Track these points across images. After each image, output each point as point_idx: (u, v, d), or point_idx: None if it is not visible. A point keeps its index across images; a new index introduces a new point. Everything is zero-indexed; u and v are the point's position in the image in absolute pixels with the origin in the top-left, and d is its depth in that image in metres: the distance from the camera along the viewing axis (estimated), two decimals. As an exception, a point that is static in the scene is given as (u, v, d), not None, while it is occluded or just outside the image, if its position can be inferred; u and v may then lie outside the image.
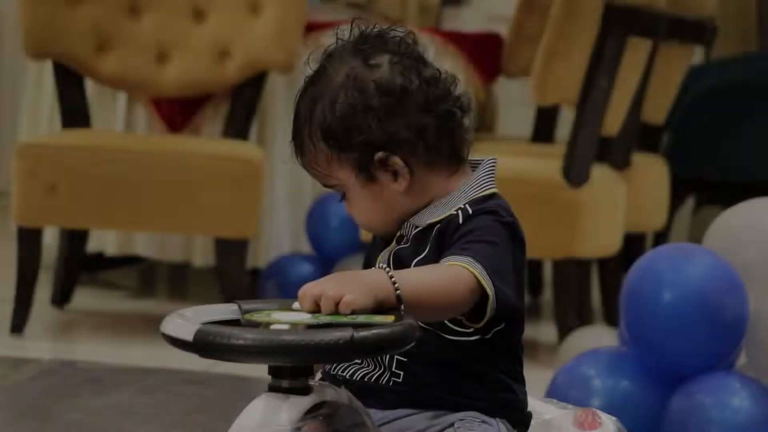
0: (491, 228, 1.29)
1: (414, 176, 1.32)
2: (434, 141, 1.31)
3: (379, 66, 1.31)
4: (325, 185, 1.37)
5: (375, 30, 1.34)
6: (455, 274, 1.23)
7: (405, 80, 1.31)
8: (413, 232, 1.34)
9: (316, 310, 1.16)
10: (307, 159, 1.34)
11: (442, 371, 1.32)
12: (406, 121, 1.31)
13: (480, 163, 1.37)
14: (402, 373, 1.32)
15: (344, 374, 1.35)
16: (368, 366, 1.34)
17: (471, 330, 1.31)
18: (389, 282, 1.19)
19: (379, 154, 1.31)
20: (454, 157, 1.34)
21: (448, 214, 1.32)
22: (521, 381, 1.36)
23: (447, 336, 1.31)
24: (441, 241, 1.31)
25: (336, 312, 1.16)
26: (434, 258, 1.30)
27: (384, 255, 1.35)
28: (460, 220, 1.30)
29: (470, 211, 1.31)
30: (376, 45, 1.32)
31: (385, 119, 1.30)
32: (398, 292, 1.18)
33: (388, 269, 1.21)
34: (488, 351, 1.32)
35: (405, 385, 1.32)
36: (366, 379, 1.34)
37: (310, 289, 1.17)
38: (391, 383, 1.33)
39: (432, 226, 1.32)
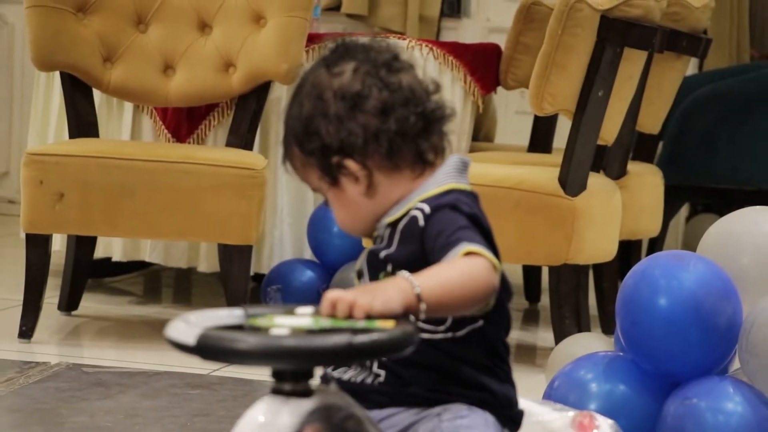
0: (455, 217, 1.31)
1: (373, 179, 1.34)
2: (391, 145, 1.33)
3: (342, 73, 1.34)
4: (311, 189, 1.41)
5: (352, 41, 1.37)
6: (470, 261, 1.24)
7: (363, 86, 1.33)
8: (384, 231, 1.37)
9: (333, 314, 1.19)
10: (289, 162, 1.39)
11: (420, 370, 1.34)
12: (360, 125, 1.33)
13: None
14: (383, 372, 1.35)
15: (334, 374, 1.38)
16: (354, 368, 1.37)
17: (442, 328, 1.34)
18: (409, 285, 1.21)
19: (335, 158, 1.34)
20: (418, 161, 1.35)
21: (403, 211, 1.34)
22: (504, 379, 1.38)
23: (420, 335, 1.32)
24: (405, 240, 1.33)
25: (350, 316, 1.18)
26: (400, 253, 1.33)
27: (362, 255, 1.39)
28: (422, 222, 1.32)
29: (428, 210, 1.32)
30: (344, 54, 1.36)
31: (339, 124, 1.33)
32: (417, 291, 1.20)
33: (407, 274, 1.23)
34: (463, 348, 1.34)
35: (388, 385, 1.35)
36: (353, 381, 1.36)
37: (330, 294, 1.19)
38: (375, 384, 1.35)
39: (395, 224, 1.35)
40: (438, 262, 1.28)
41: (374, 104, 1.33)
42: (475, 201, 1.36)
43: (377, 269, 1.35)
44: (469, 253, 1.25)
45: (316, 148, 1.34)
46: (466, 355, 1.34)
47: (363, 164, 1.34)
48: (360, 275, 1.39)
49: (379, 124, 1.33)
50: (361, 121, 1.33)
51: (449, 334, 1.34)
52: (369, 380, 1.36)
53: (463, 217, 1.30)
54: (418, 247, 1.31)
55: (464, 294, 1.24)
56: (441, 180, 1.36)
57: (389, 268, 1.33)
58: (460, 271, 1.24)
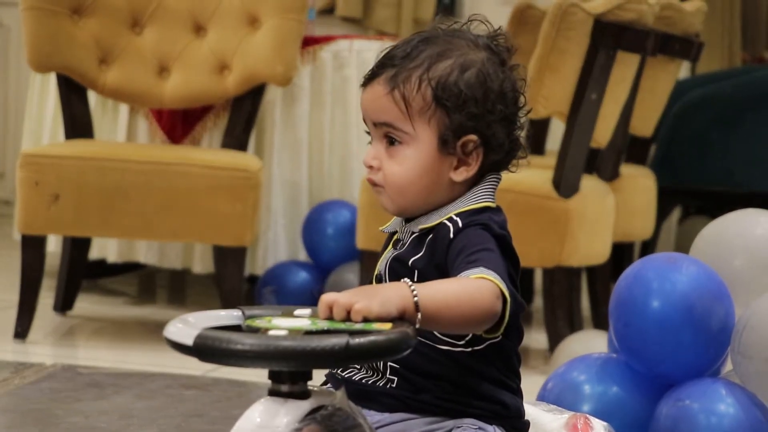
0: (483, 237, 1.30)
1: (473, 172, 1.35)
2: (508, 159, 1.37)
3: (509, 72, 1.36)
4: (377, 123, 1.34)
5: (506, 45, 1.39)
6: (478, 284, 1.23)
7: (520, 100, 1.36)
8: (410, 238, 1.36)
9: (330, 316, 1.18)
10: (398, 92, 1.33)
11: (434, 380, 1.33)
12: (507, 132, 1.35)
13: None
14: (396, 378, 1.35)
15: (344, 375, 1.37)
16: (365, 371, 1.36)
17: (462, 342, 1.33)
18: (408, 291, 1.20)
19: (473, 138, 1.33)
20: (489, 174, 1.37)
21: (438, 221, 1.34)
22: (516, 391, 1.38)
23: (439, 346, 1.33)
24: (433, 249, 1.33)
25: (348, 319, 1.17)
26: (429, 261, 1.32)
27: (382, 260, 1.38)
28: (451, 234, 1.32)
29: (461, 224, 1.32)
30: (508, 56, 1.38)
31: (499, 118, 1.34)
32: (416, 299, 1.19)
33: (408, 281, 1.22)
34: (481, 362, 1.34)
35: (400, 390, 1.34)
36: (364, 382, 1.36)
37: (326, 297, 1.19)
38: (387, 387, 1.35)
39: (426, 233, 1.34)
40: (453, 276, 1.28)
41: (517, 121, 1.36)
42: (502, 216, 1.37)
43: (400, 275, 1.33)
44: (481, 278, 1.25)
45: (467, 114, 1.32)
46: (483, 368, 1.34)
47: (483, 158, 1.35)
48: (379, 280, 1.38)
49: (515, 136, 1.36)
50: (508, 128, 1.35)
51: (469, 348, 1.34)
52: (381, 383, 1.35)
53: (491, 237, 1.31)
54: (444, 259, 1.31)
55: (461, 313, 1.23)
56: (479, 197, 1.36)
57: (416, 274, 1.32)
58: (464, 290, 1.23)
